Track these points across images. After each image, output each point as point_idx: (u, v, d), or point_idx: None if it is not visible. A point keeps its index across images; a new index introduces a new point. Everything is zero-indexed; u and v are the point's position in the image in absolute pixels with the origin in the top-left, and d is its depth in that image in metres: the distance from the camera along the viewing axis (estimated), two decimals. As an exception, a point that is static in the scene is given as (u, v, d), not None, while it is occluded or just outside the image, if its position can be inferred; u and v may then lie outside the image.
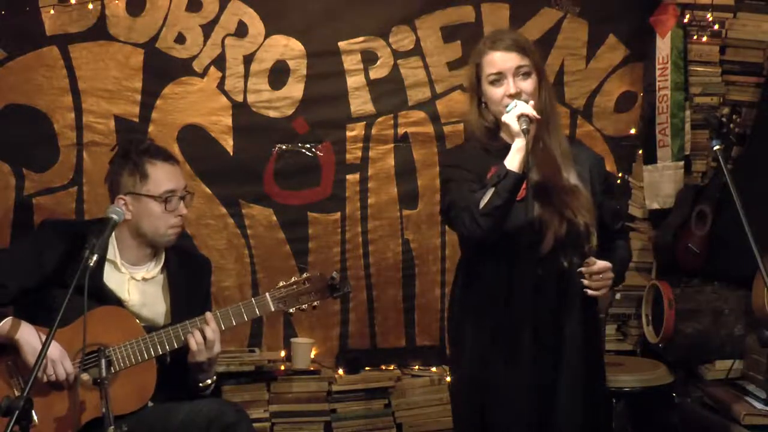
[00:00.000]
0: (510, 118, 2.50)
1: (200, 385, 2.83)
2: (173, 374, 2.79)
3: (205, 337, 2.71)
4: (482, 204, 2.49)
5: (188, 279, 2.96)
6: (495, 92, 2.60)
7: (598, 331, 2.77)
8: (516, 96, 2.56)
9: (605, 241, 2.68)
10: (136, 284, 2.85)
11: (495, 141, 2.67)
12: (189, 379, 2.83)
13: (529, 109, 2.50)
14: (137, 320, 2.76)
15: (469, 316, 2.71)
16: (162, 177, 2.83)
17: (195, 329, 2.71)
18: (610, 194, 2.80)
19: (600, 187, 2.72)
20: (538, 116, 2.51)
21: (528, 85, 2.59)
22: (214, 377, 2.88)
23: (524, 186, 2.53)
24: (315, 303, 2.83)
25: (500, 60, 2.59)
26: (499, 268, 2.62)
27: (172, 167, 2.89)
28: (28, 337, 2.60)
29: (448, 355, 3.15)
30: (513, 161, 2.48)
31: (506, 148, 2.56)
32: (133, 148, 2.87)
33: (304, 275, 2.83)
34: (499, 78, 2.59)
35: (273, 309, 2.80)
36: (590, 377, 2.67)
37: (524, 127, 2.46)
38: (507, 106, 2.54)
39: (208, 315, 2.75)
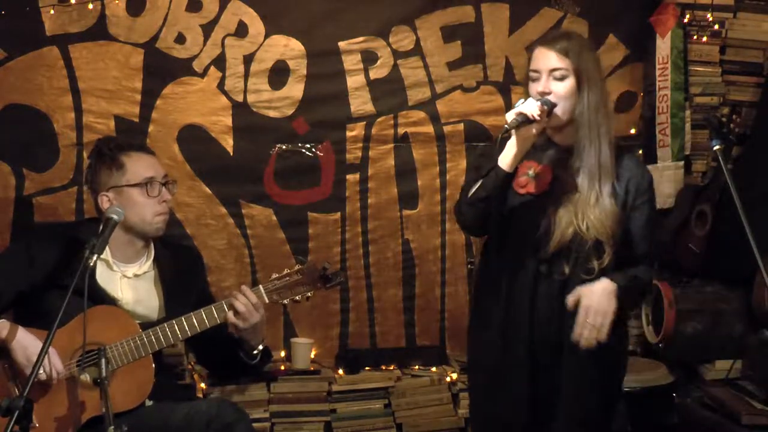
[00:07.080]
0: (509, 114, 2.47)
1: (254, 353, 2.88)
2: (221, 352, 2.90)
3: (237, 310, 2.75)
4: (470, 193, 2.55)
5: (179, 271, 2.97)
6: (531, 87, 2.58)
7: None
8: (544, 95, 2.52)
9: (624, 260, 2.57)
10: (128, 281, 2.86)
11: (539, 135, 2.58)
12: (239, 352, 2.88)
13: (530, 108, 2.45)
14: (132, 318, 2.77)
15: (479, 306, 2.74)
16: (139, 165, 2.87)
17: (229, 303, 2.75)
18: (643, 212, 2.60)
19: (634, 203, 2.58)
20: (537, 117, 2.45)
21: (561, 87, 2.52)
22: (263, 341, 2.91)
23: (548, 181, 2.55)
24: (309, 294, 2.83)
25: (539, 57, 2.56)
26: (503, 262, 2.61)
27: (148, 156, 2.93)
28: (22, 339, 2.59)
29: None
30: (505, 157, 2.50)
31: (548, 143, 2.59)
32: (106, 145, 2.91)
33: (296, 267, 2.84)
34: (536, 75, 2.56)
35: (267, 300, 2.81)
36: (595, 379, 2.61)
37: (512, 122, 2.43)
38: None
39: (243, 288, 2.79)
